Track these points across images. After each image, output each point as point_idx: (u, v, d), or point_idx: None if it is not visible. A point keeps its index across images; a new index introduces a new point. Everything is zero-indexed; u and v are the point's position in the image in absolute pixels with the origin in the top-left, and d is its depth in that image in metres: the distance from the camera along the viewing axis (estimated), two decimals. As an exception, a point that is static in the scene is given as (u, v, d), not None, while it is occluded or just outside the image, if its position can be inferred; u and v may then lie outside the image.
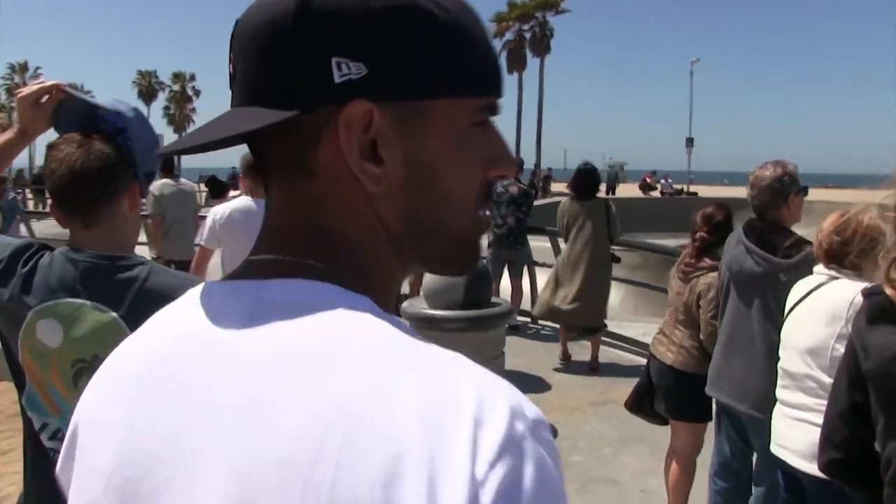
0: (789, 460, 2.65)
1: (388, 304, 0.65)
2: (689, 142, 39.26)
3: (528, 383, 6.03)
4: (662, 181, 32.04)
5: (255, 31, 0.62)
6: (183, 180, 7.44)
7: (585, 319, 6.63)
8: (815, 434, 2.51)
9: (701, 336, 3.54)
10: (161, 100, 72.60)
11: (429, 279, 4.87)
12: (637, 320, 7.92)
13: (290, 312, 0.57)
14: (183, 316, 0.64)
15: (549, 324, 7.69)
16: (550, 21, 52.27)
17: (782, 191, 3.07)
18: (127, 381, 0.64)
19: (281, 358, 0.55)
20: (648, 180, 28.96)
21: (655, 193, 27.90)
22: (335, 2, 0.59)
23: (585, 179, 6.71)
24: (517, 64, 52.17)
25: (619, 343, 7.29)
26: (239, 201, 4.40)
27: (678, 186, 31.23)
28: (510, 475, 0.48)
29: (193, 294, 0.65)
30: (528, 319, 8.18)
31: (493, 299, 5.15)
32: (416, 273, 0.75)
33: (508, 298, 6.55)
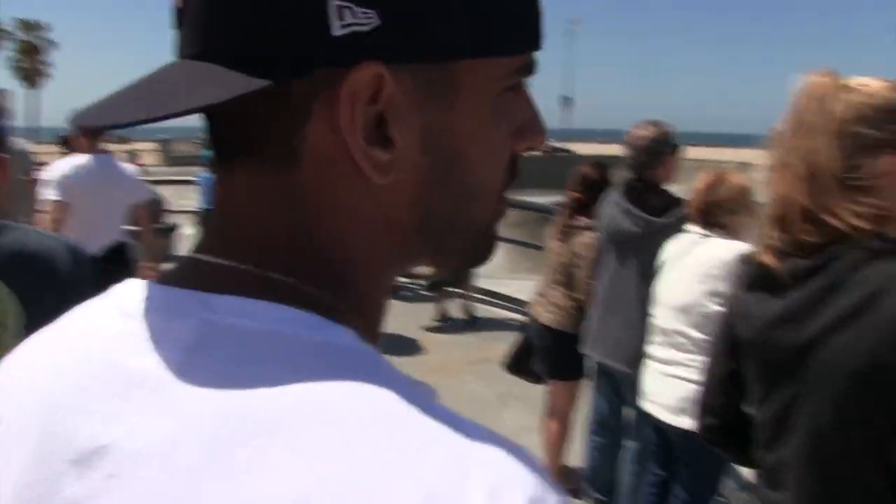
0: (658, 414, 2.71)
1: (376, 334, 0.51)
2: (567, 100, 40.12)
3: (406, 345, 5.99)
4: (540, 140, 32.82)
5: None
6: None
7: (441, 275, 6.66)
8: (683, 388, 2.58)
9: (581, 297, 3.56)
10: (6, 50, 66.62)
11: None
12: (514, 277, 8.02)
13: (244, 348, 0.42)
14: (108, 331, 0.47)
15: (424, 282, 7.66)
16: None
17: (658, 151, 3.09)
18: (21, 429, 0.47)
19: (227, 426, 0.39)
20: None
21: (535, 152, 28.53)
22: None
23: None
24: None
25: (495, 301, 7.37)
26: (81, 158, 4.10)
27: (557, 145, 31.90)
28: None
29: (126, 298, 0.48)
30: (408, 280, 8.12)
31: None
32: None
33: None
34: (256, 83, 0.42)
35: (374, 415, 0.40)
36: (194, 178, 8.46)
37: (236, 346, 0.42)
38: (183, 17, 0.46)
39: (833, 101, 1.22)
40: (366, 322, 0.48)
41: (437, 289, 6.84)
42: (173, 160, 33.76)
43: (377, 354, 0.45)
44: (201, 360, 0.42)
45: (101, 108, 0.46)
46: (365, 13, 0.41)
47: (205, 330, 0.43)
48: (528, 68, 0.50)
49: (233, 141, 0.47)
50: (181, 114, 0.43)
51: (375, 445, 0.38)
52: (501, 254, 10.61)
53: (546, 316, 3.70)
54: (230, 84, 0.42)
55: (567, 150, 27.87)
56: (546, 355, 3.77)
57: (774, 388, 1.31)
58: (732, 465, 3.23)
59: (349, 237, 0.48)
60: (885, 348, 1.11)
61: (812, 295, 1.21)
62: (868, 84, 1.23)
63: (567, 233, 3.68)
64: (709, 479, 2.74)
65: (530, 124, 0.52)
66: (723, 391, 1.50)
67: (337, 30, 0.41)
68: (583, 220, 3.63)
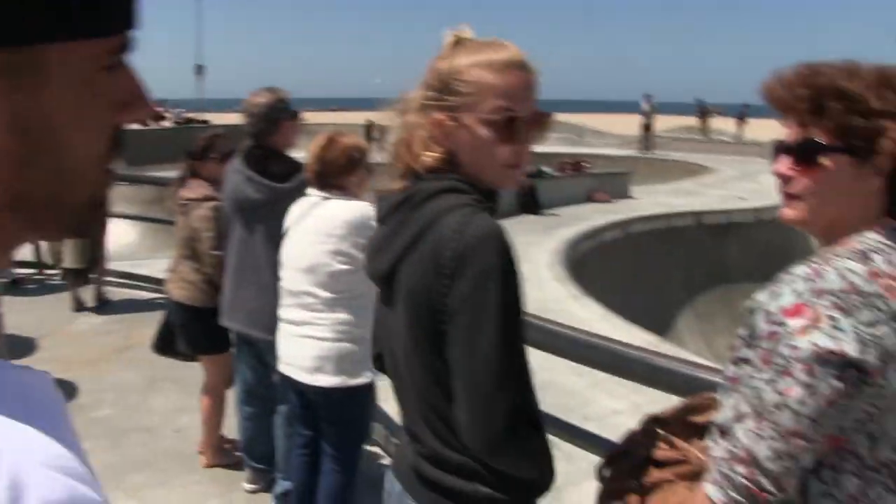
0: (295, 375, 2.78)
1: None
2: (200, 69, 38.45)
3: (41, 342, 5.42)
4: (174, 111, 31.15)
5: None
6: None
7: (80, 258, 6.20)
8: (315, 347, 2.69)
9: (208, 270, 3.52)
10: None
11: None
12: (156, 257, 7.62)
13: None
14: None
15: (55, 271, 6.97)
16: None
17: (275, 117, 3.12)
18: None
19: None
20: (158, 110, 27.81)
21: (168, 123, 26.96)
22: None
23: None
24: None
25: (137, 283, 6.98)
26: None
27: (190, 115, 30.68)
28: None
29: None
30: (33, 270, 7.29)
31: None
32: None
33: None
34: None
35: None
36: None
37: None
38: None
39: (439, 60, 1.37)
40: None
41: (73, 277, 6.27)
42: None
43: None
44: None
45: None
46: None
47: None
48: (124, 47, 0.53)
49: None
50: None
51: None
52: (139, 233, 10.04)
53: (179, 293, 3.60)
54: None
55: (204, 121, 26.91)
56: (185, 332, 3.67)
57: (383, 312, 1.47)
58: (379, 411, 3.47)
59: None
60: (430, 273, 1.28)
61: (392, 226, 1.37)
62: (464, 48, 1.37)
63: (185, 206, 3.59)
64: (354, 430, 2.88)
65: (134, 99, 0.55)
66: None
67: None
68: (199, 191, 3.58)
